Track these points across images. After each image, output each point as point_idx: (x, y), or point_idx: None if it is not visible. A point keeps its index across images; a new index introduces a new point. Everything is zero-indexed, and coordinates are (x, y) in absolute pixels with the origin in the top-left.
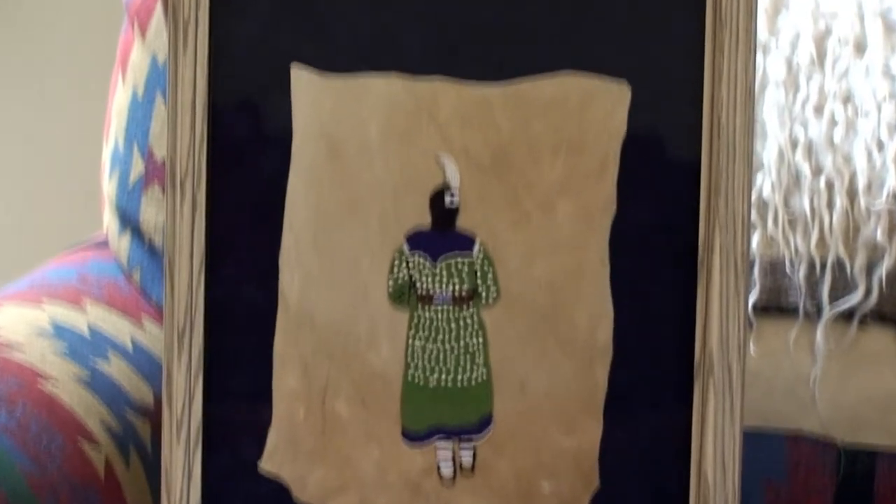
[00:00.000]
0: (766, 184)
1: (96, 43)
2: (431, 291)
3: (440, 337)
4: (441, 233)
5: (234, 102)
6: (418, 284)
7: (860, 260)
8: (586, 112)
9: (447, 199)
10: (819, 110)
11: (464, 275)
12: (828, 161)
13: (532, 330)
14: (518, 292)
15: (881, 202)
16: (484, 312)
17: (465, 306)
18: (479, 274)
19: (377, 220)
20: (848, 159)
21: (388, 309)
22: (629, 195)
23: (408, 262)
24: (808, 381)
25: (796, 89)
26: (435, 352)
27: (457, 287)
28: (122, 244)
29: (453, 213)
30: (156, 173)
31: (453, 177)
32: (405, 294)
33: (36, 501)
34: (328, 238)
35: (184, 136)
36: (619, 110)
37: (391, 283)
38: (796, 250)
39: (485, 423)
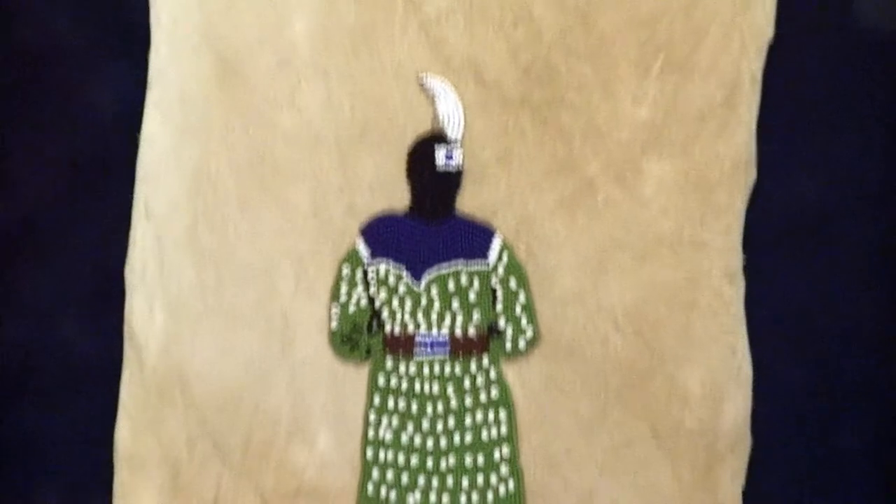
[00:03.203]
0: None
1: None
2: (411, 330)
3: (428, 414)
4: (429, 221)
5: None
6: (387, 316)
7: None
8: (699, 1)
9: (440, 157)
10: None
11: (471, 299)
12: None
13: (601, 403)
14: (574, 333)
15: None
16: (509, 369)
17: (474, 358)
18: (500, 297)
19: (308, 197)
20: None
21: (330, 362)
22: (783, 152)
23: (367, 276)
24: None
25: None
26: (419, 444)
27: (459, 322)
28: None
29: (452, 183)
30: None
31: (451, 116)
32: (361, 334)
33: None
34: (218, 231)
35: None
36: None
37: (336, 313)
38: None
39: None
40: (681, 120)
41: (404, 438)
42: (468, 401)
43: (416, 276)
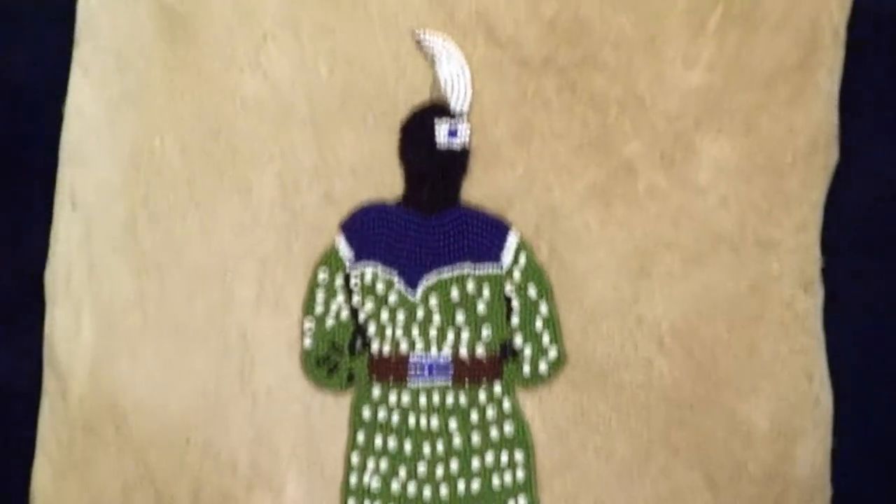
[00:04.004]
0: None
1: None
2: (404, 350)
3: (424, 456)
4: (428, 214)
5: None
6: (374, 333)
7: None
8: None
9: (441, 132)
10: None
11: (480, 311)
12: None
13: (643, 443)
14: (608, 354)
15: None
16: (527, 399)
17: (483, 386)
18: (516, 309)
19: (276, 183)
20: None
21: (302, 390)
22: (872, 128)
23: (349, 283)
24: None
25: None
26: (413, 493)
27: (464, 340)
28: None
29: (456, 165)
30: None
31: (456, 82)
32: (341, 356)
33: None
34: (162, 226)
35: None
36: None
37: (310, 329)
38: None
39: None
40: (744, 86)
41: (395, 486)
42: (476, 439)
43: (411, 282)
